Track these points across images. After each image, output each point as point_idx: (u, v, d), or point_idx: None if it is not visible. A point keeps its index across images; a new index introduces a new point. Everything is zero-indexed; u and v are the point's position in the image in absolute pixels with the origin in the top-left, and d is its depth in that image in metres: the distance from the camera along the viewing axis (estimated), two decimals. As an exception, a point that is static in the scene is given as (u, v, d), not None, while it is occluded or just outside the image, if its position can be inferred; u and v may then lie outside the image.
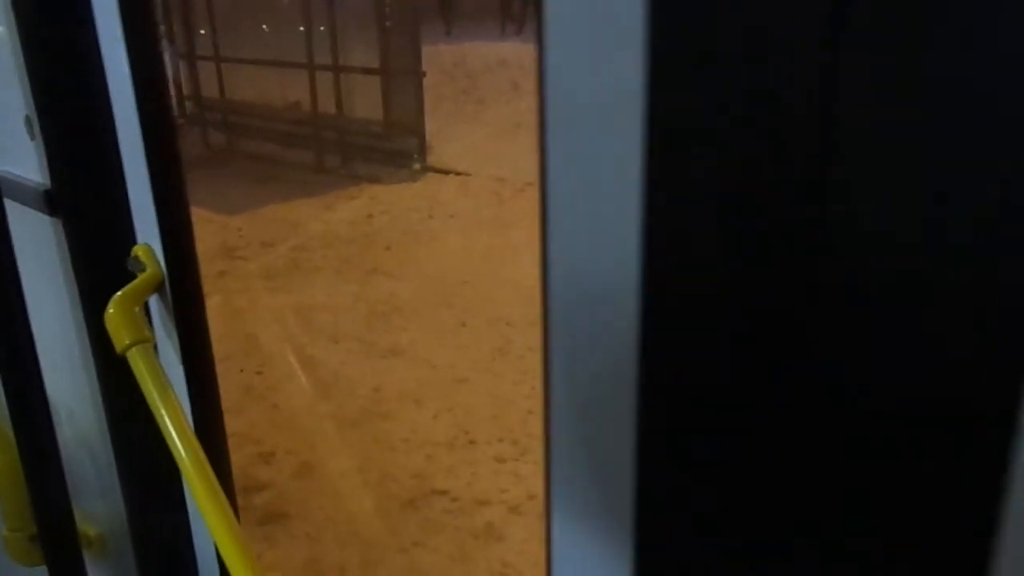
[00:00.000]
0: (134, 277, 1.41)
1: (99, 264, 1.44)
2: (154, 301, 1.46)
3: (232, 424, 3.31)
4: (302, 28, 8.79)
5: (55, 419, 1.52)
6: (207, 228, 6.50)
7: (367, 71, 8.43)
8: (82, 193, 1.41)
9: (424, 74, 8.46)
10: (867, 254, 0.43)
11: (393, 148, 8.29)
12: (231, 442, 3.13)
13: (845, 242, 0.43)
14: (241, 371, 4.13)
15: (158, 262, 1.43)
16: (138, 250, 1.43)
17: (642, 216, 0.51)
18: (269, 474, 3.35)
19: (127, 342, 1.33)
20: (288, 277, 5.53)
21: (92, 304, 1.43)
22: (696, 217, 0.48)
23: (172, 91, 9.76)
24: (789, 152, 0.44)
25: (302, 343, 4.49)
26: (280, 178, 8.34)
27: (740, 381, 0.50)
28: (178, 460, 1.23)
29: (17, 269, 1.38)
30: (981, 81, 0.38)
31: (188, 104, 10.44)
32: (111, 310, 1.34)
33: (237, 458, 3.17)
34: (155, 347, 1.43)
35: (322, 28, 8.69)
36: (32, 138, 1.40)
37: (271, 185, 8.07)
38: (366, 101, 8.50)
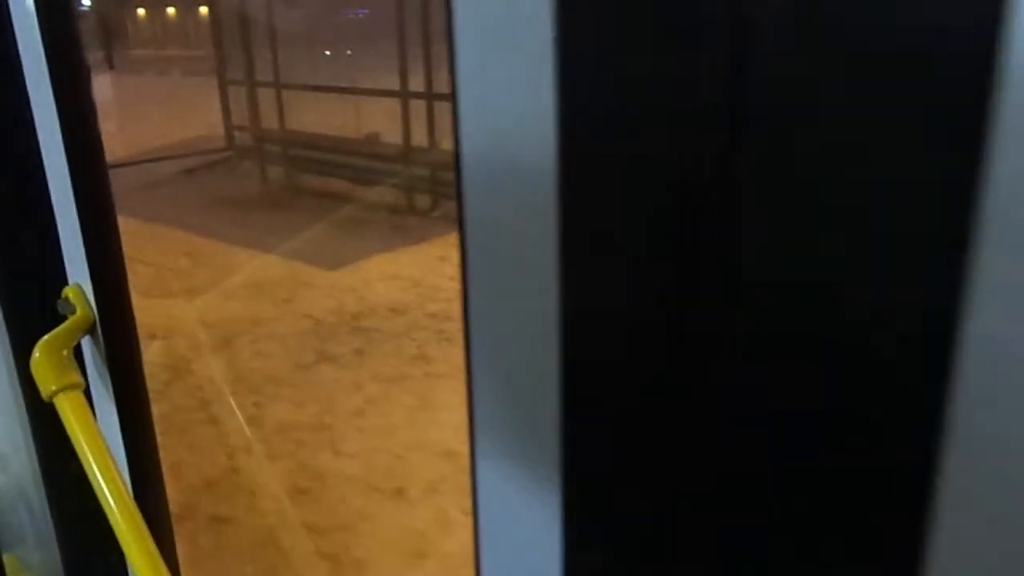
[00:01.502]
0: (64, 319, 1.42)
1: (29, 305, 1.47)
2: (87, 344, 1.46)
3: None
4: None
5: (-12, 466, 1.51)
6: (315, 286, 5.79)
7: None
8: (10, 232, 1.44)
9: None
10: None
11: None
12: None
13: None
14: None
15: (89, 304, 1.43)
16: (68, 291, 1.44)
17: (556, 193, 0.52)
18: None
19: (53, 388, 1.32)
20: (449, 360, 4.47)
21: (22, 347, 1.44)
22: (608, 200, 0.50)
23: (223, 120, 9.47)
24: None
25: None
26: (367, 221, 7.70)
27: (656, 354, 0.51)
28: (106, 509, 1.22)
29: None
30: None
31: (237, 135, 9.83)
32: (37, 355, 1.34)
33: None
34: (87, 392, 1.43)
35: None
36: None
37: (361, 230, 7.43)
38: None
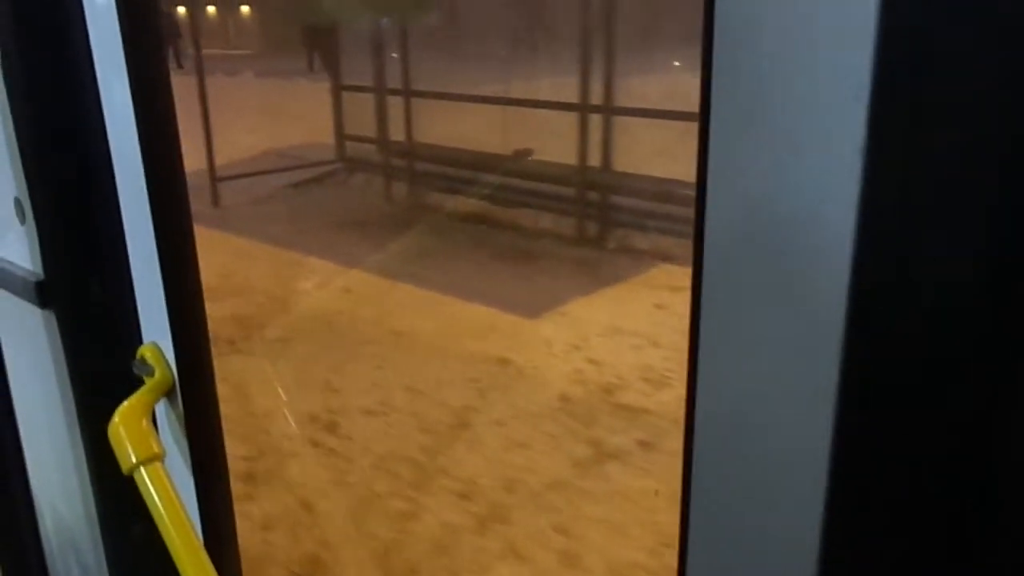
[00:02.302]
0: (138, 380, 1.32)
1: (98, 364, 1.38)
2: (162, 407, 1.36)
3: None
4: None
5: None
6: (524, 341, 4.93)
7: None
8: (79, 284, 1.34)
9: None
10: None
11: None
12: None
13: None
14: None
15: (167, 364, 1.32)
16: (145, 351, 1.33)
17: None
18: None
19: (135, 461, 1.24)
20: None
21: (88, 407, 1.38)
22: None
23: (333, 129, 8.48)
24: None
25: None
26: (534, 253, 6.68)
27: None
28: None
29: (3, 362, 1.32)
30: None
31: (348, 146, 8.90)
32: (116, 421, 1.26)
33: None
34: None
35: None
36: (23, 222, 1.36)
37: (534, 264, 6.45)
38: (655, 154, 6.62)
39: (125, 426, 1.24)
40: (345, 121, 8.88)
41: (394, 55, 8.53)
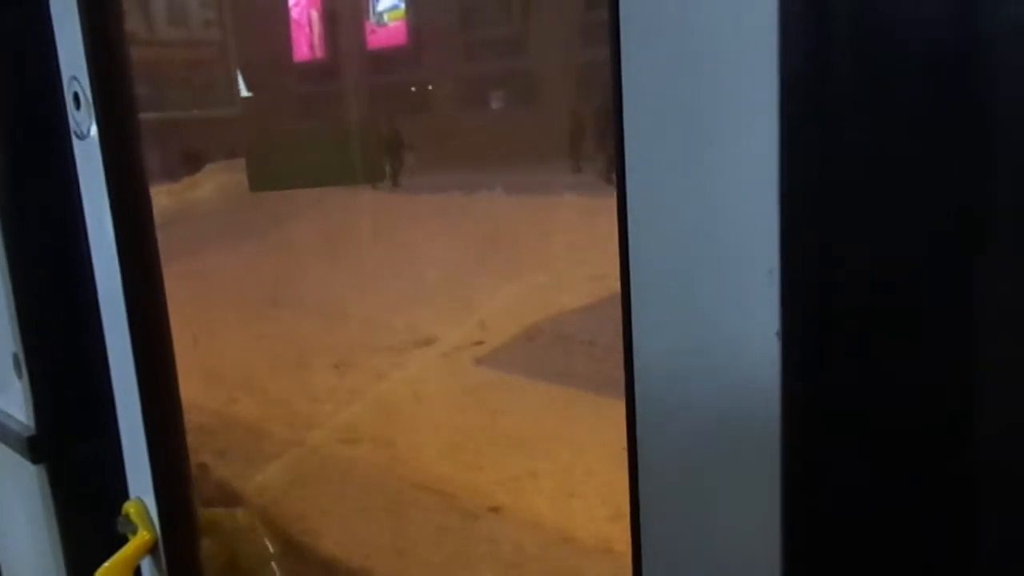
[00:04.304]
0: (125, 538, 1.31)
1: (87, 520, 1.40)
2: (146, 563, 1.35)
3: None
4: None
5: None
6: None
7: None
8: (69, 440, 1.39)
9: None
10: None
11: None
12: None
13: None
14: None
15: (151, 521, 1.32)
16: (129, 507, 1.34)
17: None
18: None
19: None
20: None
21: (77, 564, 1.39)
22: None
23: None
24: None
25: None
26: None
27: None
28: None
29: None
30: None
31: None
32: None
33: None
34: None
35: None
36: (19, 376, 1.39)
37: None
38: None
39: (103, 589, 1.25)
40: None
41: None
